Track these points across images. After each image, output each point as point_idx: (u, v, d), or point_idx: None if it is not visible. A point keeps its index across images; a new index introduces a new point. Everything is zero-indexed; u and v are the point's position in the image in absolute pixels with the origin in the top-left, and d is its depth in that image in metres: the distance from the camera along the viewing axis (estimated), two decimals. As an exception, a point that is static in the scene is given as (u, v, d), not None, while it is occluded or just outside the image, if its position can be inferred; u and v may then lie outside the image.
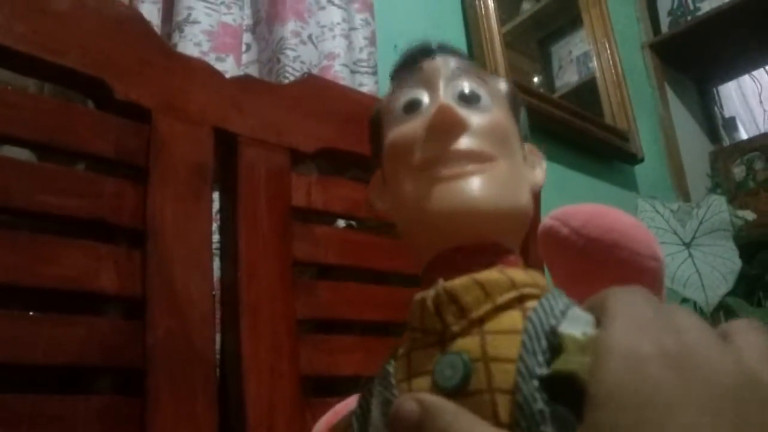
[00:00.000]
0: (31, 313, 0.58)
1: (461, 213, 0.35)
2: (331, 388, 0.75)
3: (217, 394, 0.65)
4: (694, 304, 1.53)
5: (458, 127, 0.37)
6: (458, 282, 0.34)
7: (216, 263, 0.74)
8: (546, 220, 0.53)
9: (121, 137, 0.68)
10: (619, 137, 1.95)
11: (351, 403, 0.52)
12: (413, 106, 0.40)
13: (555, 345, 0.30)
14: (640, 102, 2.18)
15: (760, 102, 3.05)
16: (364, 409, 0.37)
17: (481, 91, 0.40)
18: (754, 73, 2.93)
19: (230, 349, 0.69)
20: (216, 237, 0.76)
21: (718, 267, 1.50)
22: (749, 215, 1.76)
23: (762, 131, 2.67)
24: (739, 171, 2.34)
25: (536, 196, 1.14)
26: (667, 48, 2.38)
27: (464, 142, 0.37)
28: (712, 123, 2.66)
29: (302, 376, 0.72)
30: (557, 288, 0.36)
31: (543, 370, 0.29)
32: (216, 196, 0.77)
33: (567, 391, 0.28)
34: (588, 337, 0.30)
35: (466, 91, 0.39)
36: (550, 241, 0.53)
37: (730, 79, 2.82)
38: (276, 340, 0.71)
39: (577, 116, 1.82)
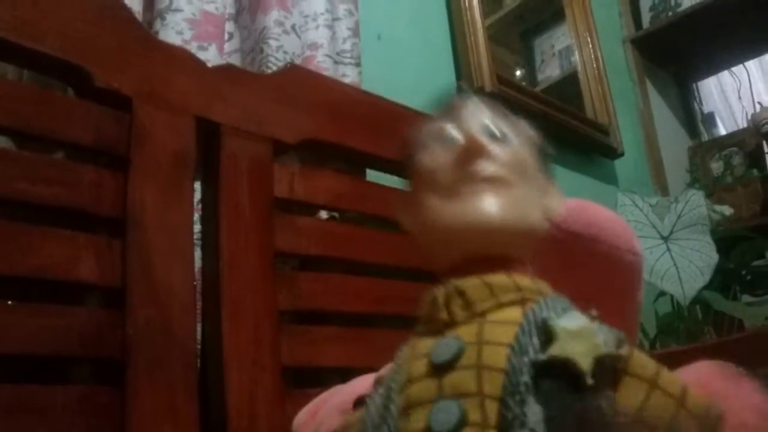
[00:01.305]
0: (9, 302, 0.57)
1: (473, 225, 0.39)
2: (313, 379, 0.75)
3: (198, 384, 0.65)
4: (671, 297, 1.55)
5: (480, 154, 0.41)
6: (468, 280, 0.38)
7: (197, 253, 0.73)
8: None
9: (101, 125, 0.67)
10: (600, 131, 1.95)
11: (329, 397, 0.52)
12: (445, 138, 0.44)
13: (549, 334, 0.33)
14: (621, 96, 2.19)
15: (739, 98, 3.08)
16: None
17: (507, 130, 0.44)
18: (734, 69, 2.96)
19: (211, 341, 0.69)
20: (197, 227, 0.75)
21: (695, 261, 1.51)
22: (726, 210, 1.78)
23: (740, 127, 2.69)
24: (717, 166, 2.37)
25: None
26: (648, 43, 2.39)
27: (485, 168, 0.41)
28: (692, 118, 2.68)
29: (283, 367, 0.72)
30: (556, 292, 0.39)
31: (539, 356, 0.32)
32: (197, 185, 0.76)
33: (561, 376, 0.31)
34: (582, 327, 0.33)
35: (493, 128, 0.44)
36: None
37: (710, 74, 2.84)
38: (257, 331, 0.70)
39: (558, 110, 1.82)
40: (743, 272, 1.83)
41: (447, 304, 0.38)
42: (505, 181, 0.41)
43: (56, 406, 0.56)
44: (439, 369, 0.34)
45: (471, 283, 0.38)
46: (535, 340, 0.33)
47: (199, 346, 0.69)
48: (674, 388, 0.33)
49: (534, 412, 0.31)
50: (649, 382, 0.33)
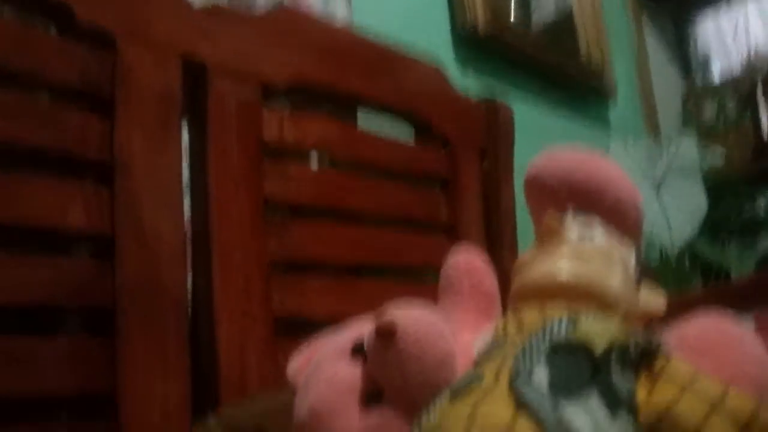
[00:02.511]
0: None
1: (545, 278, 0.42)
2: (304, 329, 0.75)
3: (189, 334, 0.65)
4: (660, 247, 1.56)
5: (555, 232, 0.46)
6: (528, 311, 0.41)
7: (187, 201, 0.72)
8: (530, 167, 0.53)
9: (85, 65, 0.64)
10: (594, 73, 1.93)
11: (324, 342, 0.52)
12: None
13: (575, 324, 0.36)
14: (616, 37, 2.15)
15: (735, 39, 3.04)
16: None
17: (600, 237, 0.47)
18: (732, 9, 2.91)
19: (201, 291, 0.68)
20: (186, 173, 0.74)
21: (684, 208, 1.52)
22: (719, 151, 1.77)
23: (735, 69, 2.67)
24: (710, 109, 2.35)
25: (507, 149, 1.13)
26: (645, -20, 2.35)
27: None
28: (686, 60, 2.65)
29: (274, 318, 0.72)
30: None
31: (558, 337, 0.35)
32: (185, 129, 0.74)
33: (576, 354, 0.34)
34: (608, 321, 0.36)
35: (584, 232, 0.47)
36: (535, 186, 0.52)
37: (707, 13, 2.80)
38: (248, 281, 0.70)
39: (551, 51, 1.80)
40: (732, 220, 1.84)
41: (504, 326, 0.41)
42: (579, 254, 0.44)
43: (46, 357, 0.55)
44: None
45: (529, 311, 0.41)
46: (562, 327, 0.36)
47: (189, 296, 0.68)
48: (710, 391, 0.33)
49: (540, 374, 0.33)
50: (681, 385, 0.34)
